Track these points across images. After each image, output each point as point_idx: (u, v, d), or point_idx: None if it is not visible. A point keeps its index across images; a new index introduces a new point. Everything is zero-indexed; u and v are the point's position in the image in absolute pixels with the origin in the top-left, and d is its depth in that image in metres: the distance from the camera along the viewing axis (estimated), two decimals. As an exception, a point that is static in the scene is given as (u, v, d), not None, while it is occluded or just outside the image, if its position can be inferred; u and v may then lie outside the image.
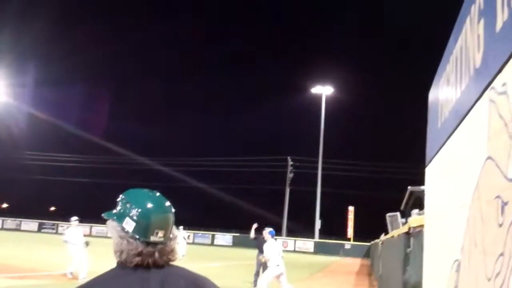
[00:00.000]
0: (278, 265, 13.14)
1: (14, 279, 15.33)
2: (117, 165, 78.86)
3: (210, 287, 2.10)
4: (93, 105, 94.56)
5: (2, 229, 61.64)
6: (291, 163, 67.30)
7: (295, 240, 57.72)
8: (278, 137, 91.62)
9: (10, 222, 64.68)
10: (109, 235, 2.07)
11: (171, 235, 2.05)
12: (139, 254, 1.95)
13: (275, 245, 13.65)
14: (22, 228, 63.27)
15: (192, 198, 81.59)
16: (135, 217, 1.97)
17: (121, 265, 2.00)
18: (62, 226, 63.24)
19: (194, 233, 56.70)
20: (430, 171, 4.17)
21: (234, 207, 74.53)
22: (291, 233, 62.81)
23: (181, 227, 28.25)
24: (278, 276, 13.15)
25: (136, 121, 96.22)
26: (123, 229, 1.98)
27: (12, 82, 66.83)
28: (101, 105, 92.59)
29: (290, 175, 67.12)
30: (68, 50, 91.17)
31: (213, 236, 60.40)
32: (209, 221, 64.75)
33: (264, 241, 18.44)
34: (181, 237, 27.98)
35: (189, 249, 27.42)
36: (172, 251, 2.04)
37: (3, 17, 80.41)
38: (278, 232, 59.80)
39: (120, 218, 1.99)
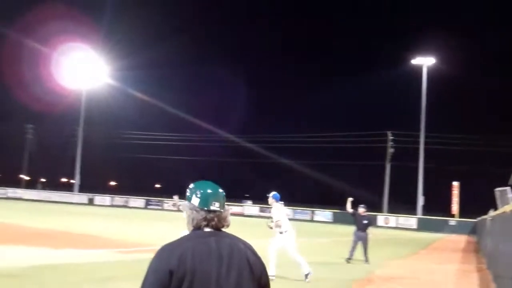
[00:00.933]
0: (286, 231, 12.46)
1: (123, 253, 16.00)
2: (218, 144, 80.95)
3: (254, 250, 2.81)
4: (193, 85, 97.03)
5: (112, 206, 64.87)
6: (391, 138, 65.74)
7: (397, 216, 56.60)
8: (377, 111, 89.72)
9: (118, 199, 67.69)
10: (183, 211, 2.93)
11: (222, 209, 2.83)
12: (205, 219, 2.78)
13: (283, 210, 12.86)
14: (130, 205, 66.14)
15: (290, 175, 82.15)
16: (199, 195, 2.84)
17: (196, 230, 2.79)
18: (167, 203, 65.75)
19: (293, 209, 56.97)
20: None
21: (332, 184, 74.14)
22: (392, 210, 61.58)
23: (282, 202, 28.24)
24: (285, 244, 12.35)
25: (234, 101, 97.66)
26: (192, 203, 2.84)
27: (118, 66, 69.91)
28: (200, 86, 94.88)
29: (390, 151, 65.62)
30: (169, 32, 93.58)
31: (312, 212, 60.35)
32: (308, 198, 64.81)
33: (362, 217, 18.10)
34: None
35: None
36: (226, 217, 2.85)
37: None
38: (378, 209, 59.33)
39: (190, 198, 2.87)
